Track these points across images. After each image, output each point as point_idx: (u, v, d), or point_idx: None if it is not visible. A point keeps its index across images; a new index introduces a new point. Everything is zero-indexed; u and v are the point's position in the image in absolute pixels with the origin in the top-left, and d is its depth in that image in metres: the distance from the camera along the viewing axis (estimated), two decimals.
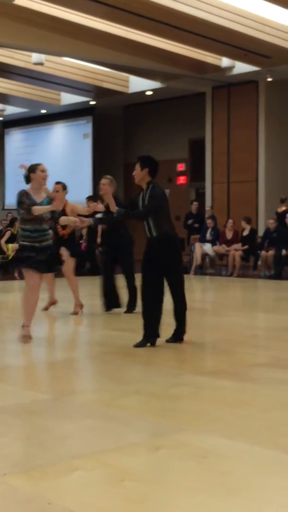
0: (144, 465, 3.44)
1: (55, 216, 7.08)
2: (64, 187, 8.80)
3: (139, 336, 6.71)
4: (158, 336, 6.68)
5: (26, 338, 6.79)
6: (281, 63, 15.32)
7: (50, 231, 7.39)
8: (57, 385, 5.33)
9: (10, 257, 14.83)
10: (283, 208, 15.71)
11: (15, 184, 23.58)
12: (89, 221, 7.56)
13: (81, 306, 8.99)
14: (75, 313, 8.88)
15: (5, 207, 23.51)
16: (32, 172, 6.87)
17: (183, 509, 2.93)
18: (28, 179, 6.90)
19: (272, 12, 13.42)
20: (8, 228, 16.05)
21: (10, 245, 15.41)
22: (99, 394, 4.93)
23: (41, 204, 6.81)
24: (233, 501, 3.00)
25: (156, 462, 3.50)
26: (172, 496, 3.05)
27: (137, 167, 6.73)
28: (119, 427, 4.08)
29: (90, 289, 11.24)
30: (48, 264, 6.92)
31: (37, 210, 6.76)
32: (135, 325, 7.45)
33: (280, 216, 15.51)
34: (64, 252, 8.65)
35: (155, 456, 3.57)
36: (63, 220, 7.65)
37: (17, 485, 3.16)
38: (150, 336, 6.62)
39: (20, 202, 6.78)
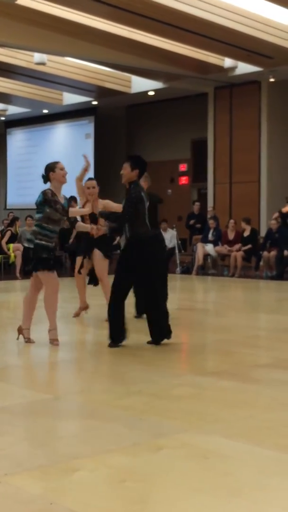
0: (145, 466, 3.44)
1: (70, 220, 6.88)
2: (97, 183, 8.53)
3: (141, 337, 6.71)
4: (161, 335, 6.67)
5: (56, 341, 6.71)
6: (283, 64, 15.31)
7: None
8: (59, 385, 5.33)
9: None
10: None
11: (17, 184, 23.62)
12: (105, 230, 7.36)
13: (87, 307, 8.92)
14: (77, 315, 8.84)
15: (7, 207, 23.52)
16: (51, 171, 6.70)
17: (184, 509, 2.93)
18: (46, 179, 6.73)
19: (274, 13, 13.42)
20: (9, 228, 15.97)
21: (11, 245, 15.38)
22: (101, 394, 4.93)
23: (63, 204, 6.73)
24: (234, 502, 3.00)
25: (158, 462, 3.50)
26: (174, 496, 3.05)
27: (127, 166, 6.68)
28: (120, 427, 4.08)
29: (90, 290, 11.22)
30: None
31: (73, 212, 6.80)
32: (137, 325, 7.46)
33: (283, 217, 15.47)
34: (96, 253, 8.44)
35: (157, 456, 3.57)
36: (79, 226, 7.36)
37: (19, 485, 3.16)
38: (156, 335, 6.64)
39: (48, 201, 6.55)
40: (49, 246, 6.64)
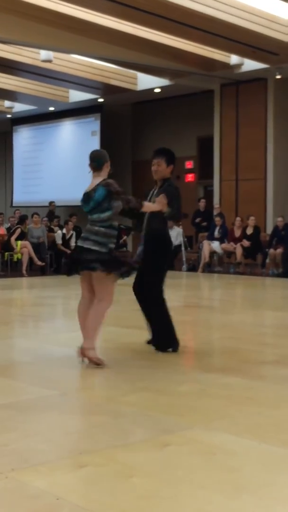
0: (152, 462, 3.44)
1: (132, 206, 5.80)
2: None
3: (147, 334, 6.70)
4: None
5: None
6: None
7: None
8: (65, 381, 5.33)
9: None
10: None
11: (23, 182, 23.63)
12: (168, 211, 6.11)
13: None
14: None
15: (13, 205, 23.53)
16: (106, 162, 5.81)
17: (190, 505, 2.92)
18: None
19: (280, 9, 13.39)
20: (18, 226, 16.02)
21: (19, 242, 15.41)
22: (106, 391, 4.93)
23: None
24: (241, 498, 3.00)
25: (164, 458, 3.50)
26: (180, 492, 3.05)
27: (162, 162, 6.20)
28: (127, 423, 4.09)
29: None
30: None
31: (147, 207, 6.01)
32: (142, 322, 7.45)
33: None
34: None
35: (163, 452, 3.57)
36: (148, 206, 6.00)
37: (25, 480, 3.17)
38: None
39: (116, 192, 5.67)
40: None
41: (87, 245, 5.71)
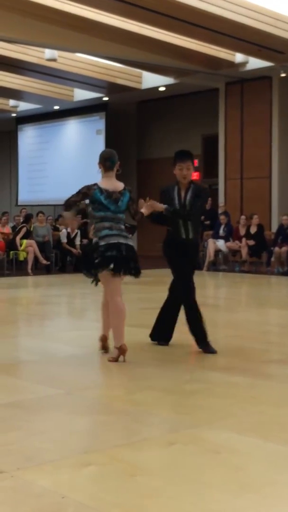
0: (157, 460, 3.45)
1: (137, 218, 5.99)
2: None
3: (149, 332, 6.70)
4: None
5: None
6: None
7: None
8: (70, 380, 5.34)
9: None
10: None
11: (28, 181, 23.65)
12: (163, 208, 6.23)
13: None
14: None
15: (19, 203, 23.56)
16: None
17: (195, 504, 2.93)
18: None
19: (286, 7, 13.37)
20: (23, 225, 16.05)
21: (24, 241, 15.44)
22: (112, 390, 4.94)
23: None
24: (245, 496, 3.00)
25: (169, 457, 3.50)
26: (185, 491, 3.05)
27: (191, 166, 6.30)
28: (132, 422, 4.09)
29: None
30: None
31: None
32: (148, 321, 7.45)
33: None
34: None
35: (168, 451, 3.58)
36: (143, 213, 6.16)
37: (30, 479, 3.18)
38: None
39: (132, 200, 5.87)
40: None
41: (128, 241, 5.80)
